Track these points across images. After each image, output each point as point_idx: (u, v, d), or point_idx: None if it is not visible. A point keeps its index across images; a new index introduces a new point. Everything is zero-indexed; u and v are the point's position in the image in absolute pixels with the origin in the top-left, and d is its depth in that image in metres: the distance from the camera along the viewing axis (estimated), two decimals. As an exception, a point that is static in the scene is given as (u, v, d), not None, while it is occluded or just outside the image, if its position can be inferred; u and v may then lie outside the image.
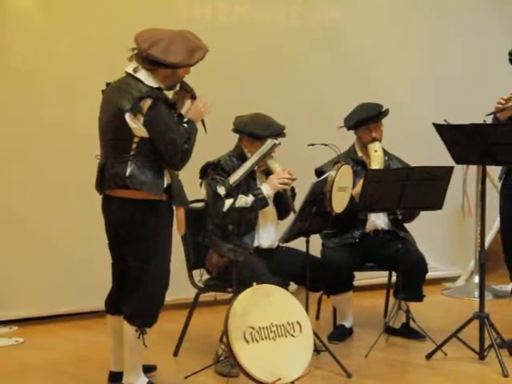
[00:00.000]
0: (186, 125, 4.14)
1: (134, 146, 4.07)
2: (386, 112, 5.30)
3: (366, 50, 6.39)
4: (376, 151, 5.24)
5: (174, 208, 4.24)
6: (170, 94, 4.24)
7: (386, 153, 5.34)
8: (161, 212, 4.14)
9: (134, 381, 4.29)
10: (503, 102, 4.78)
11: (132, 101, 4.01)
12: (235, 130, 4.92)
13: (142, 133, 4.05)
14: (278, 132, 4.83)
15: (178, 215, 4.26)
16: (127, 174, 4.06)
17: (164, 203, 4.16)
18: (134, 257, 4.16)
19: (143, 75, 4.09)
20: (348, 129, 5.33)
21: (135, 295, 4.17)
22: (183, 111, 4.23)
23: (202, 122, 4.27)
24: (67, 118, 5.55)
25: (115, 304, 4.30)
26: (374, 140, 5.27)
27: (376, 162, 5.22)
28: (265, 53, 6.09)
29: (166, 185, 4.14)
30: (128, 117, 4.03)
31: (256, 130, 4.78)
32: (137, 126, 4.04)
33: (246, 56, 6.04)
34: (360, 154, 5.37)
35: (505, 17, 6.79)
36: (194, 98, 4.24)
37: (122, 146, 4.08)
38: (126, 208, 4.12)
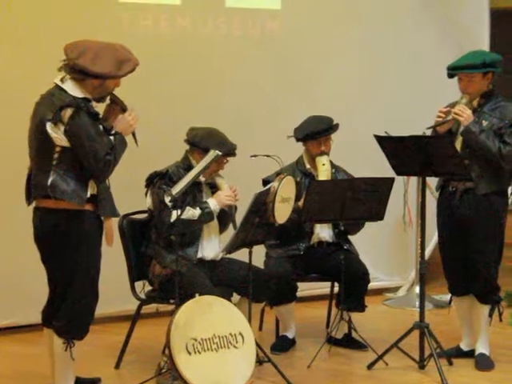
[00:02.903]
0: (112, 137, 4.14)
1: (56, 155, 4.07)
2: (337, 126, 5.33)
3: (308, 61, 6.43)
4: (324, 165, 5.27)
5: (103, 219, 4.21)
6: (102, 107, 4.24)
7: (333, 165, 5.38)
8: (84, 223, 4.12)
9: None
10: (443, 116, 4.85)
11: (54, 110, 4.02)
12: (189, 143, 4.91)
13: (63, 142, 4.06)
14: (231, 151, 4.87)
15: (107, 226, 4.22)
16: (49, 183, 4.06)
17: (88, 214, 4.13)
18: (58, 269, 4.16)
19: (69, 85, 4.10)
20: (297, 140, 5.36)
21: (63, 308, 4.16)
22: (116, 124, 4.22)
23: (133, 135, 4.26)
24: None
25: (49, 316, 4.27)
26: (322, 153, 5.30)
27: (323, 176, 5.25)
28: (207, 64, 6.09)
29: (89, 195, 4.12)
30: (49, 126, 4.04)
31: (211, 147, 4.77)
32: (57, 136, 4.05)
33: (188, 67, 6.04)
34: (308, 166, 5.40)
35: (446, 31, 6.89)
36: (124, 110, 4.23)
37: (44, 156, 4.09)
38: (48, 219, 4.13)
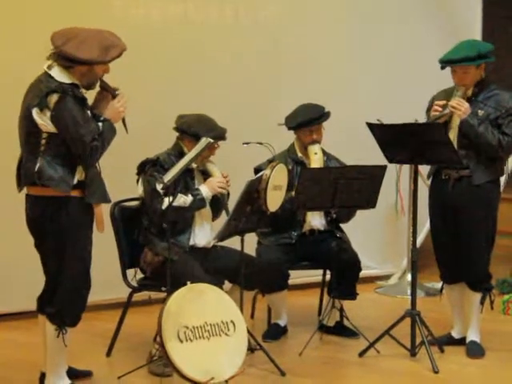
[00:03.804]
0: (100, 124, 4.12)
1: (43, 141, 4.06)
2: (328, 114, 5.32)
3: (300, 48, 6.41)
4: (316, 153, 5.26)
5: (94, 207, 4.20)
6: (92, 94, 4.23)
7: (324, 153, 5.37)
8: (72, 209, 4.11)
9: (56, 382, 4.26)
10: (440, 109, 4.82)
11: (40, 96, 4.01)
12: (179, 130, 4.90)
13: (49, 128, 4.04)
14: (221, 135, 4.86)
15: (97, 213, 4.21)
16: (36, 169, 4.06)
17: (76, 200, 4.12)
18: (49, 256, 4.17)
19: (56, 72, 4.08)
20: (289, 129, 5.35)
21: (55, 294, 4.16)
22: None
23: (123, 121, 4.24)
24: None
25: (44, 303, 4.27)
26: (314, 142, 5.29)
27: (316, 164, 5.25)
28: (199, 52, 6.07)
29: (76, 181, 4.11)
30: (35, 112, 4.03)
31: (201, 132, 4.77)
32: (43, 122, 4.04)
33: (180, 55, 6.02)
34: (300, 154, 5.39)
35: (438, 18, 6.87)
36: (114, 97, 4.21)
37: (32, 142, 4.08)
38: (37, 205, 4.13)
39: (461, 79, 4.85)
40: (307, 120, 5.27)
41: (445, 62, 4.86)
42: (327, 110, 5.33)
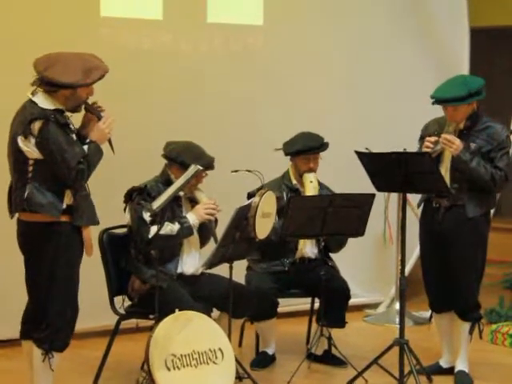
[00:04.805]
0: (86, 146, 4.16)
1: (31, 168, 4.11)
2: (327, 145, 5.35)
3: (289, 77, 6.44)
4: (311, 182, 5.29)
5: (83, 230, 4.20)
6: (79, 117, 4.25)
7: (318, 182, 5.39)
8: (62, 234, 4.13)
9: None
10: (431, 146, 4.83)
11: (24, 124, 4.06)
12: (167, 158, 4.91)
13: (35, 154, 4.09)
14: (209, 164, 4.86)
15: (85, 236, 4.22)
16: (25, 196, 4.10)
17: (65, 225, 4.14)
18: (37, 281, 4.17)
19: (39, 98, 4.12)
20: (286, 154, 5.37)
21: (44, 320, 4.15)
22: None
23: (110, 142, 4.27)
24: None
25: (28, 328, 4.25)
26: (310, 170, 5.31)
27: (311, 192, 5.27)
28: (189, 80, 6.09)
29: (65, 205, 4.13)
30: (20, 140, 4.08)
31: (189, 161, 4.78)
32: (29, 149, 4.08)
33: (169, 83, 6.04)
34: (294, 181, 5.40)
35: (426, 49, 6.93)
36: (99, 119, 4.24)
37: (20, 169, 4.13)
38: (27, 230, 4.16)
39: (452, 116, 4.86)
40: (307, 148, 5.29)
41: (435, 100, 4.86)
42: (326, 141, 5.35)
